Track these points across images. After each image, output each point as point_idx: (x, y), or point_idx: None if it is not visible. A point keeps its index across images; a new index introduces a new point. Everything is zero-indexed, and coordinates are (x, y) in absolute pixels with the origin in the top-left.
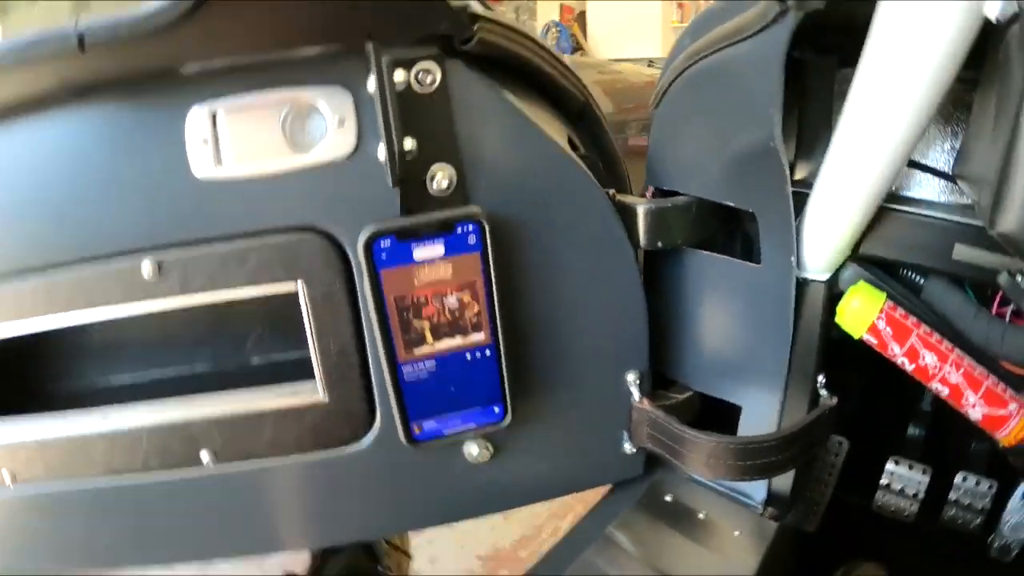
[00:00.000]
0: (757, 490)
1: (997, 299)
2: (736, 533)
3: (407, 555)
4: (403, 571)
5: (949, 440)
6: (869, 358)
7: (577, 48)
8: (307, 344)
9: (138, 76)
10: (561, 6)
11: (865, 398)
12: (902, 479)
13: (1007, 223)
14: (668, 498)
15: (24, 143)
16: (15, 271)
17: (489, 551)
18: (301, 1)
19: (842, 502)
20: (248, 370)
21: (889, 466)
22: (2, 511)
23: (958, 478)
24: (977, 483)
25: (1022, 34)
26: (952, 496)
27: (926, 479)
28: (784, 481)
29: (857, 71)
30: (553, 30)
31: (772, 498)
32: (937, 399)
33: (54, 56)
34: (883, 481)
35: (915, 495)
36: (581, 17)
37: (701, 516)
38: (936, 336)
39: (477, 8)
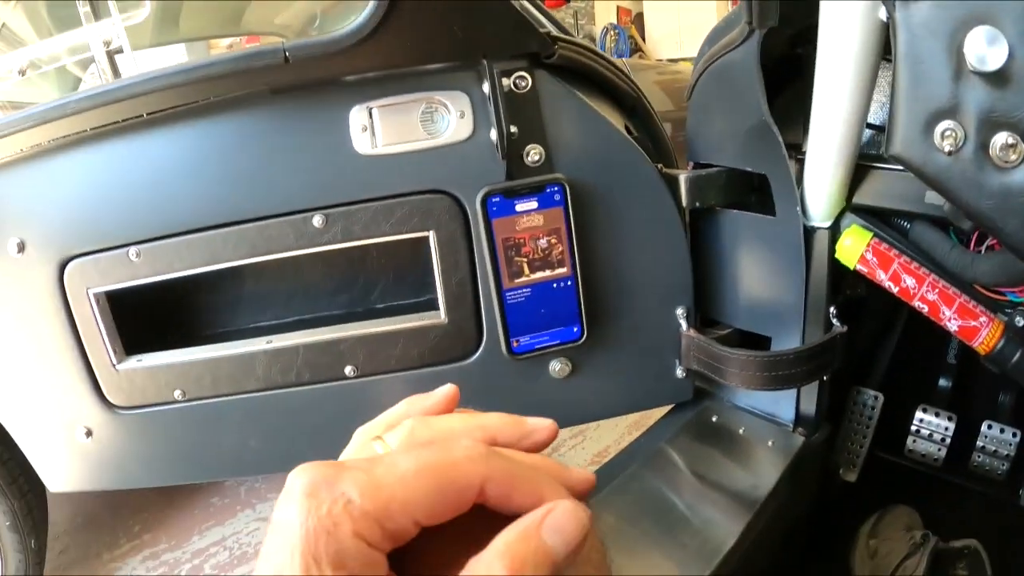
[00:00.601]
0: (787, 411)
1: (974, 238)
2: (769, 443)
3: None
4: None
5: (975, 392)
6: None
7: (636, 49)
8: (421, 292)
9: (319, 82)
10: (618, 8)
11: (896, 356)
12: (930, 425)
13: (893, 147)
14: (714, 419)
15: (229, 129)
16: (216, 224)
17: None
18: (438, 33)
19: (879, 459)
20: (374, 313)
21: (918, 414)
22: (169, 425)
23: (984, 427)
24: (1002, 431)
25: (891, 24)
26: (979, 443)
27: (952, 425)
28: (809, 405)
29: (816, 60)
30: (612, 33)
31: (800, 418)
32: (961, 352)
33: (265, 66)
34: (913, 428)
35: (942, 440)
36: (639, 18)
37: (741, 431)
38: (915, 264)
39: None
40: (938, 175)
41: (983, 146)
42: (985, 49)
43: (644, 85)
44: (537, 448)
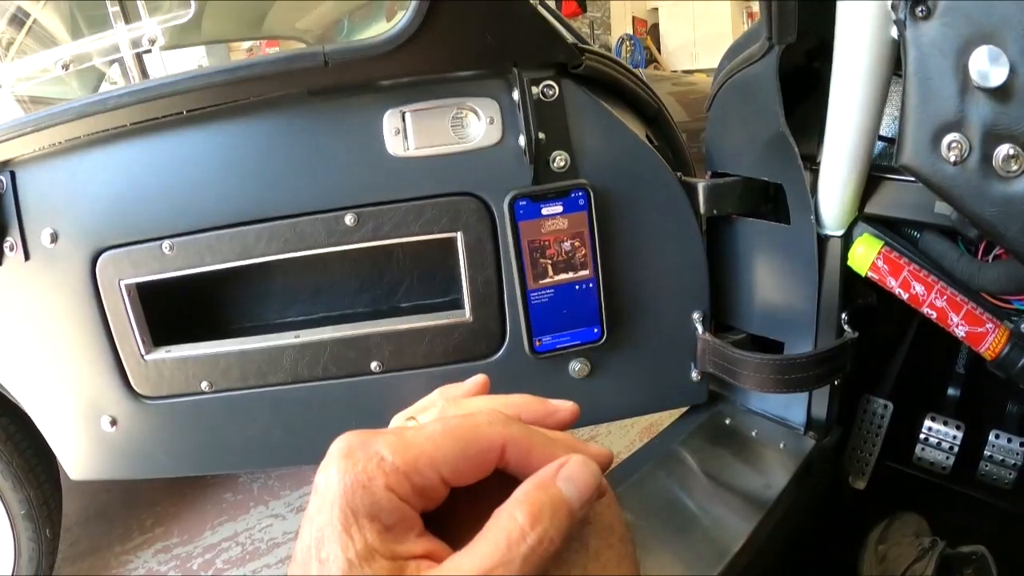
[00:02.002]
0: (798, 415)
1: (981, 248)
2: (781, 445)
3: None
4: None
5: (984, 402)
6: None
7: (651, 60)
8: (445, 291)
9: (355, 85)
10: (634, 19)
11: (906, 367)
12: (938, 434)
13: (903, 157)
14: (727, 421)
15: (265, 128)
16: (249, 220)
17: None
18: (472, 41)
19: (888, 468)
20: (399, 311)
21: (927, 422)
22: (195, 416)
23: (992, 436)
24: (1009, 441)
25: (901, 43)
26: (987, 452)
27: (960, 434)
28: (820, 408)
29: (831, 74)
30: (627, 43)
31: (811, 422)
32: (970, 362)
33: (305, 69)
34: (921, 436)
35: (950, 448)
36: (654, 29)
37: (753, 434)
38: (924, 272)
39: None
40: (944, 184)
41: (987, 157)
42: (988, 67)
43: (659, 96)
44: (560, 426)
